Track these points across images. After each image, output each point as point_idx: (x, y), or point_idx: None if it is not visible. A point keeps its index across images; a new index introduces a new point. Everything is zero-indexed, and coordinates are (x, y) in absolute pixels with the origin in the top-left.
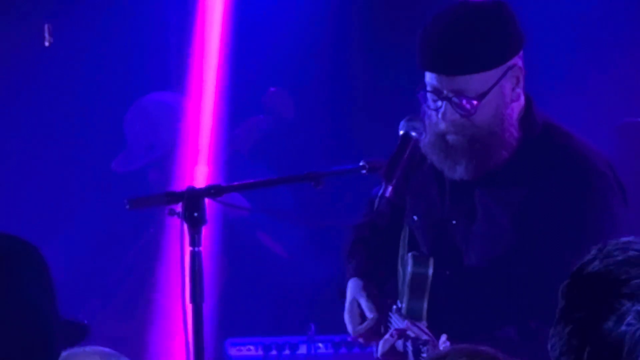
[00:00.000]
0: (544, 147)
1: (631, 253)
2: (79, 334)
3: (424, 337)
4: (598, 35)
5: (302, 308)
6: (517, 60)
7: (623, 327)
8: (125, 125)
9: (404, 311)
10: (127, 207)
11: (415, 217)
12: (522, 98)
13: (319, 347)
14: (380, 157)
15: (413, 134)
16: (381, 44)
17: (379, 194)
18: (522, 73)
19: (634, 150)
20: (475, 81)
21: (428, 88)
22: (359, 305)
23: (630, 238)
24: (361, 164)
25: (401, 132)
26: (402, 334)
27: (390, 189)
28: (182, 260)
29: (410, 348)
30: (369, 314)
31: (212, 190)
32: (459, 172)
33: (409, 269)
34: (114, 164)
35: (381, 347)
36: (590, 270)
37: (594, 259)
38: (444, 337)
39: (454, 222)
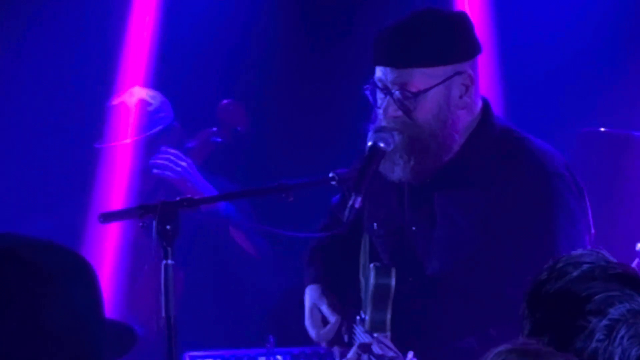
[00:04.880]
0: (502, 151)
1: (585, 267)
2: (128, 342)
3: (390, 353)
4: (560, 44)
5: (260, 320)
6: (468, 69)
7: (594, 344)
8: (108, 110)
9: (367, 324)
10: (100, 221)
11: (375, 225)
12: (478, 106)
13: (277, 359)
14: (336, 166)
15: (381, 145)
16: (337, 52)
17: (349, 204)
18: (472, 82)
19: (593, 160)
20: (418, 76)
21: (378, 84)
22: (320, 311)
23: (579, 251)
24: (331, 175)
25: (369, 144)
26: (367, 349)
27: (359, 199)
28: (156, 273)
29: None
30: (331, 318)
31: (184, 203)
32: (397, 173)
33: (372, 280)
34: (97, 143)
35: None
36: (549, 290)
37: (549, 279)
38: (410, 355)
39: (413, 228)
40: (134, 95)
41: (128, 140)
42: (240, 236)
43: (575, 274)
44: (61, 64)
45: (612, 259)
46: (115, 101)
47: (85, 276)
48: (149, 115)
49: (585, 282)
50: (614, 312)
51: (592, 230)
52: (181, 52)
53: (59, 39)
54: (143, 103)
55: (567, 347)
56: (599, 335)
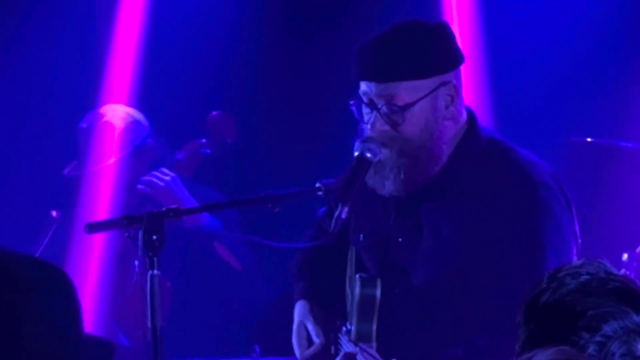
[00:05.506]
0: (488, 161)
1: (583, 278)
2: (106, 355)
3: None
4: (548, 54)
5: (246, 330)
6: (452, 79)
7: None
8: (79, 133)
9: (353, 334)
10: (86, 231)
11: (361, 236)
12: (463, 116)
13: None
14: (323, 177)
15: (368, 155)
16: (325, 63)
17: (336, 215)
18: (457, 92)
19: (580, 170)
20: (404, 89)
21: (363, 99)
22: (306, 329)
23: (581, 261)
24: (317, 185)
25: (356, 154)
26: (351, 359)
27: (346, 210)
28: (144, 284)
29: None
30: (316, 339)
31: (171, 213)
32: (387, 187)
33: (357, 291)
34: (66, 170)
35: None
36: (545, 301)
37: (547, 288)
38: None
39: (400, 239)
40: (102, 117)
41: (96, 167)
42: (225, 251)
43: (572, 285)
44: (47, 73)
45: (613, 270)
46: (84, 124)
47: (66, 290)
48: (116, 140)
49: (581, 296)
50: (608, 328)
51: (579, 240)
52: (169, 63)
53: (43, 50)
54: (109, 127)
55: None
56: (591, 350)
